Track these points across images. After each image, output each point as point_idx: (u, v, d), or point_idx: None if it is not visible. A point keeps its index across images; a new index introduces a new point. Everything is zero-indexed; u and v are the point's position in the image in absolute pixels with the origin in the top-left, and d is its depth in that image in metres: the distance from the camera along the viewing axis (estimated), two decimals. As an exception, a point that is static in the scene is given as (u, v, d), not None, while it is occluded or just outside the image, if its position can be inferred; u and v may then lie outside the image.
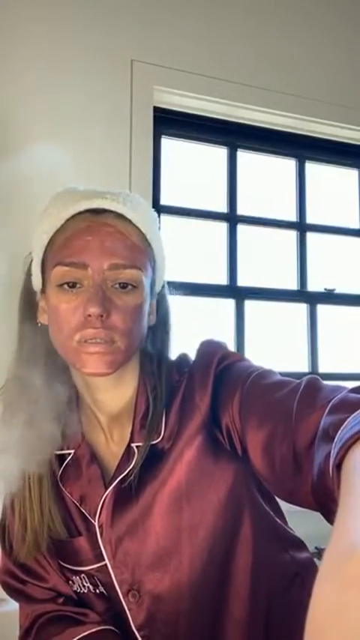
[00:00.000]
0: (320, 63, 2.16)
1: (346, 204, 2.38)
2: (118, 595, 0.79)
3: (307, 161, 2.28)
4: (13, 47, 1.70)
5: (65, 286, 0.76)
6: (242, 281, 2.11)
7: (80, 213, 0.78)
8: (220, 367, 0.81)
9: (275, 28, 2.09)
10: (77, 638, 0.79)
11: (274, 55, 2.08)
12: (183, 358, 0.89)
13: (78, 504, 0.81)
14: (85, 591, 0.82)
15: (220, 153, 2.15)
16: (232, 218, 2.13)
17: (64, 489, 0.82)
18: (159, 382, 0.84)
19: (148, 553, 0.78)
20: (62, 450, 0.83)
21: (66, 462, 0.83)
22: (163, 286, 0.90)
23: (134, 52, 1.85)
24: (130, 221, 0.79)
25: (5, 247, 1.55)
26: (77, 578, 0.82)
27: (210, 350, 0.84)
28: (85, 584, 0.82)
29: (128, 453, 0.81)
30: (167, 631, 0.78)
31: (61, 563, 0.84)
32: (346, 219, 2.36)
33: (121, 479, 0.79)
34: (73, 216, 0.78)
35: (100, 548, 0.79)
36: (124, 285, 0.76)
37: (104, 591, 0.81)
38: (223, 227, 2.12)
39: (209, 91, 1.96)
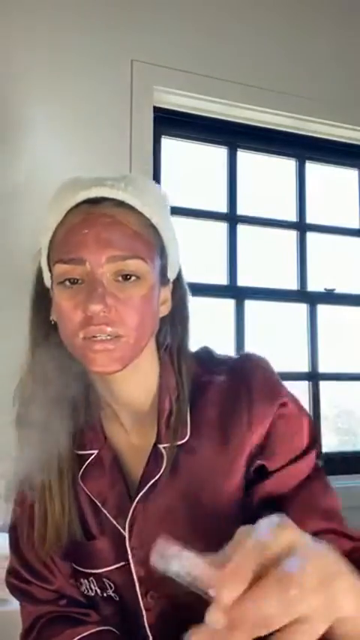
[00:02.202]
0: (320, 63, 2.16)
1: (346, 204, 2.38)
2: (135, 595, 0.78)
3: (307, 161, 2.28)
4: (13, 47, 1.70)
5: (67, 283, 0.73)
6: (242, 281, 2.11)
7: (79, 204, 0.75)
8: (279, 411, 0.77)
9: (275, 28, 2.10)
10: (77, 638, 0.79)
11: (274, 55, 2.08)
12: (206, 352, 0.86)
13: (100, 505, 0.80)
14: (92, 594, 0.81)
15: (220, 153, 2.15)
16: (232, 218, 2.13)
17: (85, 488, 0.80)
18: (179, 377, 0.81)
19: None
20: (84, 449, 0.82)
21: (88, 461, 0.81)
22: (179, 272, 0.85)
23: (134, 52, 1.85)
24: (132, 207, 0.75)
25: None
26: (85, 581, 0.81)
27: (273, 381, 0.80)
28: (92, 587, 0.81)
29: (155, 454, 0.78)
30: (180, 633, 0.77)
31: (74, 565, 0.82)
32: (346, 219, 2.36)
33: (152, 482, 0.77)
34: (72, 209, 0.75)
35: (121, 549, 0.78)
36: (126, 277, 0.72)
37: (112, 594, 0.80)
38: (223, 227, 2.12)
39: (209, 91, 1.96)
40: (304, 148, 2.25)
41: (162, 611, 0.77)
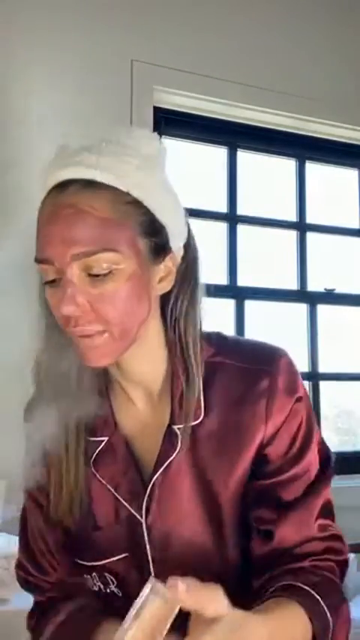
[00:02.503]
0: (320, 63, 2.16)
1: (346, 204, 2.38)
2: (143, 581, 0.78)
3: (307, 161, 2.28)
4: (12, 47, 1.70)
5: (47, 281, 0.71)
6: (242, 281, 2.11)
7: (50, 191, 0.70)
8: (295, 404, 0.77)
9: (275, 28, 2.09)
10: (63, 612, 0.81)
11: (274, 55, 2.08)
12: (219, 335, 0.84)
13: (113, 490, 0.79)
14: (97, 590, 0.82)
15: (220, 153, 2.15)
16: (232, 218, 2.13)
17: (97, 475, 0.80)
18: (188, 355, 0.77)
19: (186, 535, 0.77)
20: (95, 436, 0.80)
21: (99, 448, 0.80)
22: (188, 238, 0.80)
23: (134, 52, 1.85)
24: (103, 185, 0.68)
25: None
26: (88, 577, 0.82)
27: (296, 377, 0.79)
28: (96, 582, 0.81)
29: (170, 434, 0.77)
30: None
31: (78, 560, 0.83)
32: (346, 219, 2.36)
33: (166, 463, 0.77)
34: (46, 196, 0.71)
35: (133, 535, 0.78)
36: (98, 273, 0.68)
37: (115, 590, 0.80)
38: (223, 227, 2.12)
39: (209, 91, 1.96)
40: (304, 148, 2.25)
41: None
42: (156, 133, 0.78)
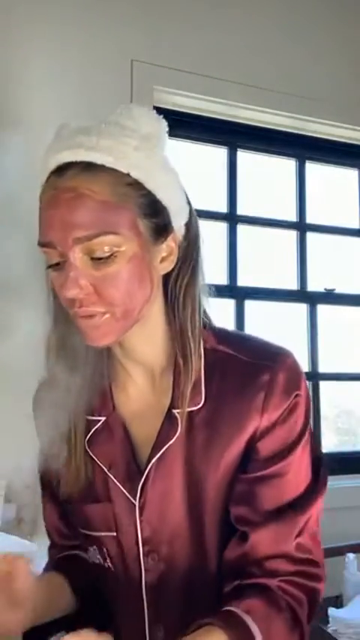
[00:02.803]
0: (320, 63, 2.16)
1: (346, 204, 2.38)
2: (135, 560, 0.80)
3: (307, 161, 2.28)
4: (12, 47, 1.70)
5: (51, 264, 0.72)
6: (242, 281, 2.11)
7: (51, 174, 0.71)
8: (293, 402, 0.77)
9: (275, 28, 2.10)
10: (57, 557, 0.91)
11: (274, 55, 2.08)
12: (223, 328, 0.85)
13: (106, 470, 0.80)
14: (97, 562, 0.84)
15: (220, 153, 2.15)
16: (232, 218, 2.13)
17: (90, 453, 0.81)
18: (186, 336, 0.78)
19: (175, 518, 0.78)
20: (93, 415, 0.82)
21: (95, 427, 0.82)
22: (190, 216, 0.81)
23: (134, 52, 1.85)
24: (102, 167, 0.69)
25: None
26: (91, 548, 0.84)
27: (298, 377, 0.79)
28: (97, 556, 0.84)
29: (170, 418, 0.78)
30: (174, 597, 0.79)
31: (81, 530, 0.85)
32: (346, 219, 2.36)
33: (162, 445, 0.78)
34: (47, 179, 0.72)
35: (126, 515, 0.80)
36: (100, 256, 0.69)
37: (110, 565, 0.82)
38: (223, 227, 2.12)
39: (209, 91, 1.96)
40: (304, 148, 2.25)
41: (161, 574, 0.79)
42: (154, 111, 0.78)
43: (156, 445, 0.78)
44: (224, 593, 0.74)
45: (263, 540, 0.74)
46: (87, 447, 0.81)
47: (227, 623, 0.67)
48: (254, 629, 0.67)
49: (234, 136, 2.14)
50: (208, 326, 0.83)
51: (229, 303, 2.09)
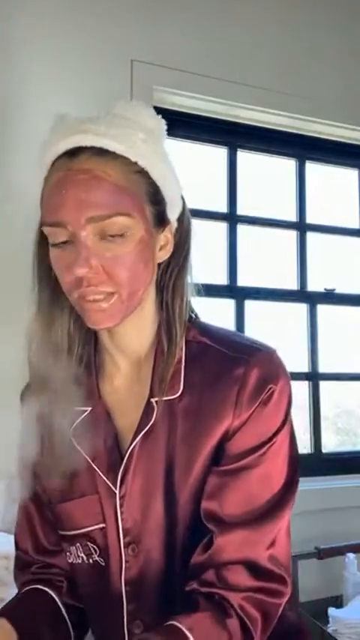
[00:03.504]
0: (320, 63, 2.16)
1: (346, 204, 2.38)
2: (119, 548, 0.80)
3: (307, 161, 2.28)
4: (12, 46, 1.70)
5: (55, 243, 0.73)
6: (242, 281, 2.11)
7: (60, 156, 0.73)
8: (266, 396, 0.77)
9: (275, 28, 2.09)
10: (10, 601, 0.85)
11: (274, 55, 2.08)
12: (204, 323, 0.86)
13: (90, 461, 0.81)
14: (80, 562, 0.83)
15: (220, 153, 2.15)
16: (232, 218, 2.13)
17: (75, 443, 0.81)
18: (172, 324, 0.80)
19: (155, 509, 0.78)
20: (79, 406, 0.82)
21: (80, 417, 0.82)
22: (182, 209, 0.83)
23: (134, 52, 1.85)
24: (113, 154, 0.72)
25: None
26: (73, 547, 0.84)
27: (275, 372, 0.79)
28: (79, 554, 0.83)
29: (148, 407, 0.79)
30: (153, 592, 0.79)
31: (61, 532, 0.85)
32: (346, 219, 2.36)
33: (142, 435, 0.78)
34: (54, 162, 0.73)
35: (109, 505, 0.80)
36: (111, 236, 0.71)
37: (98, 559, 0.82)
38: (223, 227, 2.12)
39: (209, 91, 1.96)
40: (304, 148, 2.25)
41: (140, 569, 0.79)
42: (153, 108, 0.81)
43: (135, 434, 0.79)
44: (184, 592, 0.75)
45: (229, 544, 0.73)
46: (72, 438, 0.81)
47: (174, 635, 0.67)
48: None
49: (234, 136, 2.14)
50: (193, 319, 0.85)
51: (229, 303, 2.09)
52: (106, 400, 0.84)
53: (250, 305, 2.11)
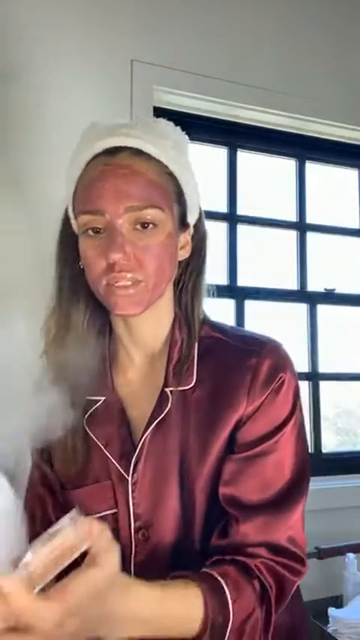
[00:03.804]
0: (320, 63, 2.15)
1: (346, 204, 2.38)
2: (130, 533, 0.82)
3: (307, 161, 2.28)
4: (12, 48, 1.70)
5: (90, 232, 0.79)
6: (242, 281, 2.11)
7: (97, 155, 0.80)
8: (278, 384, 0.82)
9: (275, 28, 2.09)
10: None
11: (274, 55, 2.08)
12: (219, 322, 0.94)
13: (103, 448, 0.84)
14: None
15: (220, 153, 2.15)
16: (232, 218, 2.13)
17: (89, 432, 0.85)
18: (189, 324, 0.87)
19: (167, 495, 0.81)
20: (93, 395, 0.86)
21: (94, 407, 0.86)
22: (199, 216, 0.91)
23: (134, 52, 1.85)
24: (148, 155, 0.79)
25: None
26: None
27: (283, 363, 0.84)
28: None
29: (162, 396, 0.83)
30: (160, 573, 0.81)
31: None
32: (346, 219, 2.36)
33: (156, 424, 0.82)
34: (91, 160, 0.80)
35: (121, 492, 0.82)
36: (144, 226, 0.78)
37: None
38: (223, 227, 2.12)
39: (209, 91, 1.96)
40: (304, 148, 2.25)
41: (149, 553, 0.82)
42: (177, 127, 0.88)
43: (149, 422, 0.83)
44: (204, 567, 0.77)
45: (251, 528, 0.77)
46: (85, 426, 0.85)
47: (203, 580, 0.71)
48: (227, 590, 0.71)
49: (234, 136, 2.14)
50: (204, 318, 0.92)
51: (229, 303, 2.09)
52: (119, 391, 0.88)
53: (250, 305, 2.11)
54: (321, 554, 1.72)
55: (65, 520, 0.57)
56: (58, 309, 0.86)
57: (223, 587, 0.71)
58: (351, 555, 1.75)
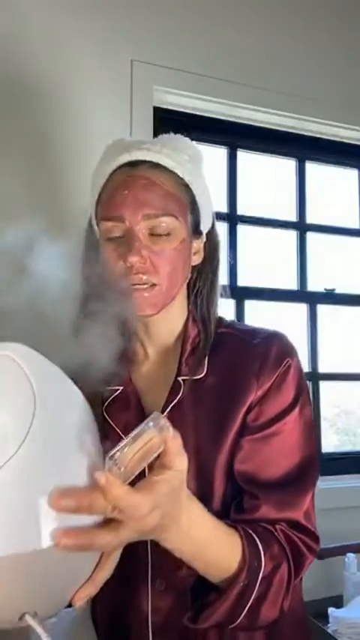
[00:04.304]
0: (320, 63, 2.15)
1: (346, 204, 2.38)
2: None
3: (307, 161, 2.28)
4: (12, 48, 1.70)
5: (111, 237, 0.86)
6: (242, 281, 2.11)
7: (121, 166, 0.88)
8: (285, 368, 0.88)
9: (275, 28, 2.09)
10: None
11: (274, 55, 2.08)
12: (229, 320, 1.01)
13: (120, 432, 0.88)
14: None
15: (220, 153, 2.15)
16: (232, 218, 2.13)
17: (109, 419, 0.90)
18: (203, 321, 0.94)
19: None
20: (111, 386, 0.92)
21: (113, 396, 0.92)
22: (212, 224, 0.98)
23: (134, 52, 1.84)
24: (165, 168, 0.88)
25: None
26: None
27: (289, 350, 0.91)
28: None
29: (175, 385, 0.89)
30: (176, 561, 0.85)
31: None
32: (346, 219, 2.36)
33: (170, 410, 0.87)
34: (114, 171, 0.89)
35: (138, 479, 0.86)
36: (159, 232, 0.86)
37: None
38: (223, 227, 2.12)
39: (209, 91, 1.95)
40: (304, 148, 2.25)
41: None
42: (194, 143, 0.98)
43: (163, 408, 0.88)
44: None
45: (268, 506, 0.83)
46: (105, 414, 0.90)
47: (241, 530, 0.77)
48: (259, 541, 0.78)
49: (234, 136, 2.13)
50: (217, 318, 1.00)
51: (229, 303, 2.08)
52: (136, 383, 0.95)
53: (250, 305, 2.11)
54: (321, 554, 1.72)
55: (148, 422, 0.62)
56: (88, 307, 0.90)
57: (255, 539, 0.77)
58: (351, 555, 1.75)
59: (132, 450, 0.59)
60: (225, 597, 0.74)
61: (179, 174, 0.89)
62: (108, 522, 0.59)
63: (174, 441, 0.63)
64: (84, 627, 1.01)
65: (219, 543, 0.75)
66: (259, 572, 0.76)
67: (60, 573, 0.59)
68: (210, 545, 0.73)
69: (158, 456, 0.63)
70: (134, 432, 0.61)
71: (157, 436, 0.61)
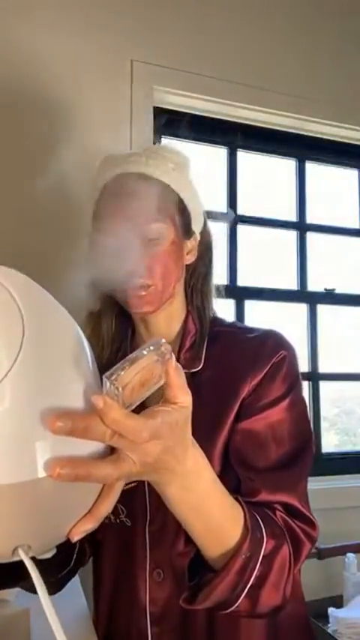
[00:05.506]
0: (320, 63, 2.15)
1: (346, 204, 2.38)
2: (144, 504, 0.91)
3: (307, 161, 2.28)
4: (11, 48, 1.70)
5: None
6: (242, 281, 2.11)
7: (112, 179, 0.95)
8: (279, 359, 0.92)
9: (275, 28, 2.10)
10: None
11: (274, 56, 2.08)
12: (223, 318, 1.06)
13: None
14: (107, 522, 0.90)
15: (220, 153, 2.15)
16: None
17: None
18: (199, 318, 1.00)
19: None
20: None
21: None
22: (204, 224, 1.05)
23: (134, 52, 1.85)
24: (152, 178, 0.94)
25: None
26: None
27: (284, 344, 0.95)
28: (110, 515, 0.89)
29: None
30: (174, 541, 0.89)
31: None
32: (346, 219, 2.36)
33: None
34: (105, 184, 0.96)
35: None
36: (150, 238, 0.92)
37: (125, 519, 0.92)
38: (223, 227, 2.12)
39: (209, 91, 1.96)
40: (304, 148, 2.25)
41: (162, 520, 0.89)
42: (181, 148, 1.04)
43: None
44: None
45: (264, 489, 0.83)
46: None
47: (242, 502, 0.77)
48: (260, 519, 0.78)
49: (234, 136, 2.13)
50: (215, 316, 1.06)
51: (229, 303, 2.09)
52: None
53: (250, 305, 2.11)
54: (321, 554, 1.72)
55: (149, 346, 0.58)
56: (91, 316, 1.01)
57: (255, 514, 0.77)
58: (351, 555, 1.75)
59: (131, 371, 0.56)
60: (225, 572, 0.71)
61: (165, 181, 0.95)
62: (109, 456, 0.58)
63: (176, 374, 0.61)
64: (83, 621, 1.01)
65: (222, 503, 0.72)
66: (262, 545, 0.74)
67: (56, 506, 0.55)
68: (212, 501, 0.71)
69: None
70: (133, 355, 0.57)
71: (159, 362, 0.58)
